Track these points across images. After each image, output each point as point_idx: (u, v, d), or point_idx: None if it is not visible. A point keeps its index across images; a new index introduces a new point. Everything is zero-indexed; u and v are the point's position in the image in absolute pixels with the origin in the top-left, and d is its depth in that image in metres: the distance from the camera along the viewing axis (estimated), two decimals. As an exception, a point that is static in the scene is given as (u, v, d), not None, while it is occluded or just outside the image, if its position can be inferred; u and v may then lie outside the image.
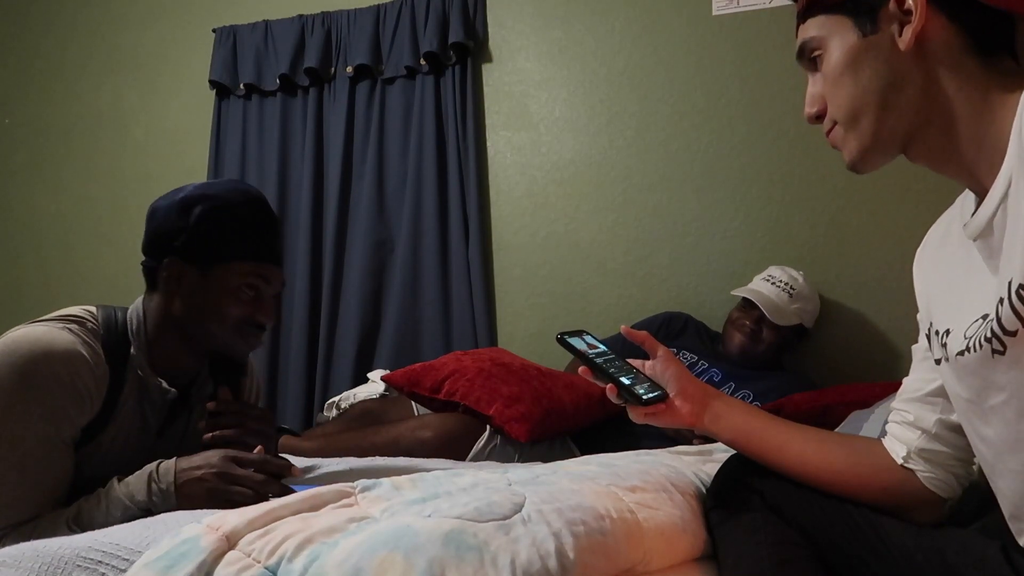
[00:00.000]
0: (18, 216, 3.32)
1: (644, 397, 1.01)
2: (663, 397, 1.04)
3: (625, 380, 1.02)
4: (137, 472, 1.14)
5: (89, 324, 1.21)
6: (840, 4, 0.83)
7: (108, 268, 3.17)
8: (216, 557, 0.74)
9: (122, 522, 1.03)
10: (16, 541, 1.01)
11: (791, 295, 2.22)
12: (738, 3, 2.53)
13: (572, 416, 1.97)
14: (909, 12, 0.79)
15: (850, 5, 0.83)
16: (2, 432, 1.08)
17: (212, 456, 1.13)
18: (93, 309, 1.26)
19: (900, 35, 0.80)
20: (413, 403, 2.15)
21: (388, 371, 2.51)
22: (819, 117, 0.89)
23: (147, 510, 1.09)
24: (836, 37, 0.84)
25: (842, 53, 0.83)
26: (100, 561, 0.81)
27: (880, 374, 2.24)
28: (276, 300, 1.32)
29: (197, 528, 0.78)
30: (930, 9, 0.78)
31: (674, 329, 2.40)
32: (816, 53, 0.87)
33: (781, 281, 2.24)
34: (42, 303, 3.17)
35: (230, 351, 1.30)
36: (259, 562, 0.73)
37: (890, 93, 0.81)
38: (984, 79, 0.78)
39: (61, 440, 1.13)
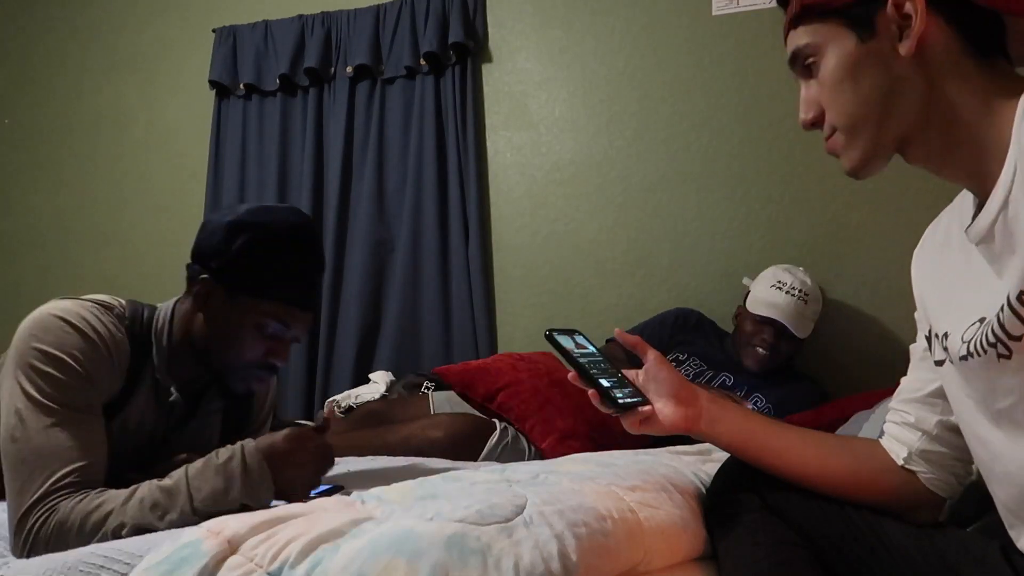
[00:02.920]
0: (18, 216, 3.31)
1: (620, 401, 0.96)
2: (641, 403, 0.99)
3: (605, 383, 0.98)
4: (199, 468, 1.11)
5: (116, 310, 1.24)
6: (835, 10, 0.81)
7: (107, 268, 3.16)
8: (218, 562, 0.74)
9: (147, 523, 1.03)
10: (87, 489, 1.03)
11: (806, 301, 2.16)
12: (738, 3, 2.53)
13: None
14: (908, 17, 0.77)
15: (845, 11, 0.80)
16: (35, 398, 1.10)
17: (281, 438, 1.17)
18: (122, 300, 1.28)
19: (900, 40, 0.79)
20: (429, 401, 2.15)
21: (389, 372, 2.51)
22: (815, 123, 0.87)
23: (206, 515, 1.01)
24: (832, 44, 0.82)
25: (840, 60, 0.81)
26: (102, 566, 0.81)
27: (880, 374, 2.23)
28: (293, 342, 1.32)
29: (198, 532, 0.77)
30: (929, 12, 0.77)
31: (689, 324, 2.36)
32: (811, 60, 0.85)
33: (794, 289, 2.15)
34: (41, 303, 3.16)
35: (232, 385, 1.31)
36: (261, 567, 0.73)
37: (892, 100, 0.80)
38: (983, 82, 0.78)
39: (90, 410, 1.14)
